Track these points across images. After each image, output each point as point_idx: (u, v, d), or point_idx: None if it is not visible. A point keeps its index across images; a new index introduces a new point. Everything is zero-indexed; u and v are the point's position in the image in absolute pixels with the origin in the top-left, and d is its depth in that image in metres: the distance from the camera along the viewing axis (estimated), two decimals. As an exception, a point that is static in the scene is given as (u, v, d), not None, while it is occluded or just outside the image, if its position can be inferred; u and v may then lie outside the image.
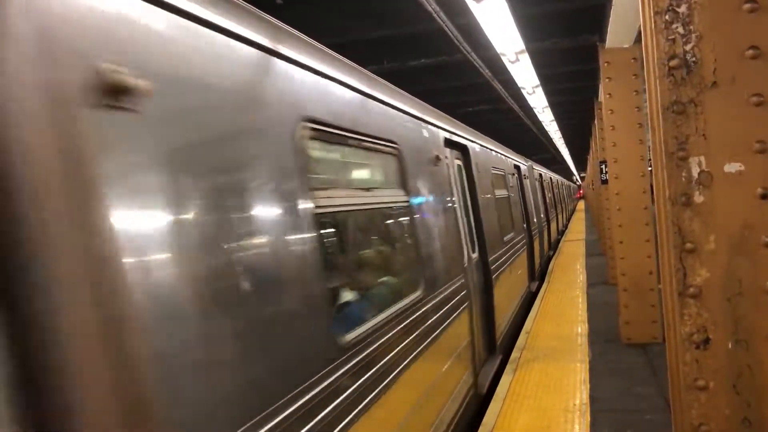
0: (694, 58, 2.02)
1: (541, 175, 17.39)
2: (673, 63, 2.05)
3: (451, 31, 6.00)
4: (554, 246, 18.59)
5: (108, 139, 1.67)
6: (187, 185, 1.98)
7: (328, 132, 3.09)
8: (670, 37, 2.06)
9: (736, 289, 1.99)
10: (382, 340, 3.36)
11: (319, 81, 3.07)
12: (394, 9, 6.81)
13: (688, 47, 2.03)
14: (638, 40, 6.96)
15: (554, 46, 8.26)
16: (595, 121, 13.59)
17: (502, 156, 9.99)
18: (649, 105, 2.31)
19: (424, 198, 4.73)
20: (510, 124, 18.45)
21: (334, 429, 2.62)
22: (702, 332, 2.02)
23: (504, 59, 6.93)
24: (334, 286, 3.30)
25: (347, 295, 3.63)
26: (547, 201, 17.54)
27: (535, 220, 13.08)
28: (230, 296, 2.09)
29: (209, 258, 2.00)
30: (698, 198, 2.01)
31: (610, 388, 5.71)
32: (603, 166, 10.04)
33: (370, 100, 3.93)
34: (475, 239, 6.63)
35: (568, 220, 34.90)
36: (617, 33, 6.77)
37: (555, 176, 27.18)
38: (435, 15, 5.22)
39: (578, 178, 69.60)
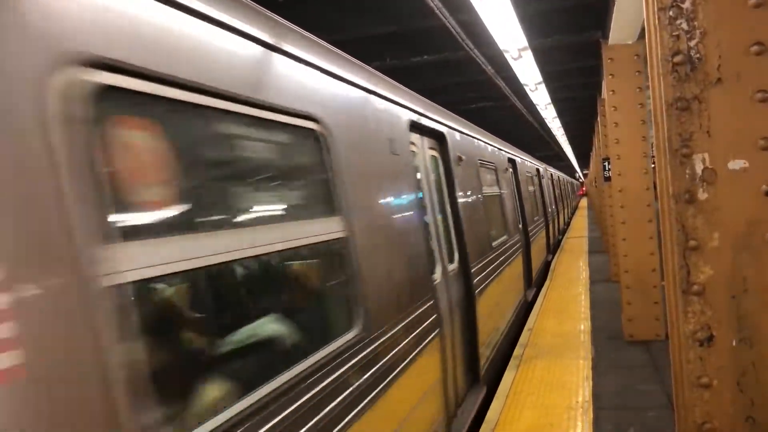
0: (698, 55, 2.01)
1: (551, 174, 22.04)
2: (677, 59, 2.04)
3: (453, 28, 5.98)
4: (562, 232, 22.87)
5: (461, 172, 5.96)
6: (469, 186, 6.36)
7: (485, 164, 7.70)
8: (674, 33, 2.04)
9: (740, 287, 1.98)
10: (502, 248, 7.69)
11: (486, 145, 8.12)
12: (396, 5, 6.80)
13: (692, 43, 2.02)
14: (641, 36, 6.94)
15: (557, 42, 8.23)
16: (598, 118, 13.57)
17: (531, 163, 14.81)
18: (653, 101, 2.30)
19: (506, 191, 9.20)
20: (513, 121, 18.42)
21: (490, 278, 6.51)
22: (706, 330, 2.01)
23: (507, 56, 6.90)
24: (493, 223, 7.63)
25: (495, 225, 7.81)
26: (556, 195, 21.97)
27: (549, 209, 17.17)
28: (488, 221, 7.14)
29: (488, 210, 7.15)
30: (702, 195, 2.00)
31: (612, 385, 5.71)
32: (606, 163, 10.03)
33: (488, 145, 8.37)
34: (520, 216, 10.63)
35: (572, 215, 35.01)
36: (620, 29, 6.74)
37: (561, 175, 31.13)
38: (437, 11, 5.20)
39: (581, 175, 69.49)
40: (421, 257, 4.24)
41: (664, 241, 2.26)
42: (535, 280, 11.29)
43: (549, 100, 13.56)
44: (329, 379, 2.66)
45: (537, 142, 27.89)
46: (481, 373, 5.63)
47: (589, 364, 6.33)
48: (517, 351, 7.06)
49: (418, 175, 4.80)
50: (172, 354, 2.15)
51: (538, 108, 14.91)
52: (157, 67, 1.92)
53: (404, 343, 3.64)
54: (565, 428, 4.77)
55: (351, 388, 2.86)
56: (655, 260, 7.13)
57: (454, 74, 10.95)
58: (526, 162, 13.51)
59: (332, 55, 3.43)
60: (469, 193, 6.25)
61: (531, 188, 13.10)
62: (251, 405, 2.14)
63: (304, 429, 2.41)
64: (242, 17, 2.47)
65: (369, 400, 3.04)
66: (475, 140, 7.39)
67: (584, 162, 50.12)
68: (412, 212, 4.21)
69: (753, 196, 1.95)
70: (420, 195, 4.70)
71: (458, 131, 6.35)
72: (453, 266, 5.34)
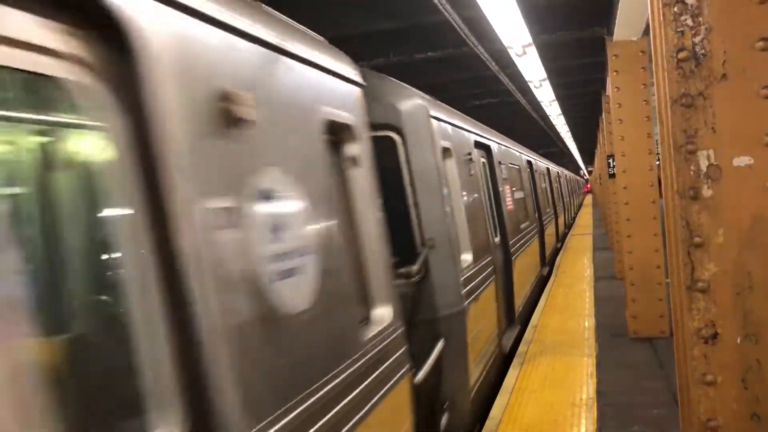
0: (702, 50, 2.00)
1: (565, 175, 29.66)
2: (681, 55, 2.03)
3: (457, 24, 5.96)
4: (573, 217, 31.20)
5: (537, 179, 14.25)
6: (541, 184, 15.20)
7: (540, 173, 15.49)
8: (678, 29, 2.03)
9: (745, 284, 1.97)
10: (549, 214, 15.53)
11: (540, 162, 16.87)
12: (400, 1, 6.79)
13: (696, 39, 2.01)
14: (646, 32, 6.91)
15: (561, 38, 8.21)
16: (603, 115, 13.53)
17: (555, 168, 22.43)
18: (657, 98, 2.28)
19: (554, 187, 18.97)
20: (517, 118, 18.43)
21: (530, 241, 10.20)
22: (710, 327, 2.00)
23: (511, 52, 6.88)
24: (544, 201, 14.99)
25: (545, 203, 15.10)
26: (568, 190, 29.42)
27: (565, 200, 24.49)
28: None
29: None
30: (707, 192, 1.99)
31: (617, 382, 5.70)
32: (611, 160, 10.01)
33: (540, 162, 16.55)
34: (554, 202, 17.37)
35: (577, 212, 35.22)
36: (625, 25, 6.72)
37: (568, 173, 36.20)
38: (441, 7, 5.19)
39: (585, 172, 69.36)
40: (531, 206, 11.35)
41: (668, 237, 2.25)
42: (561, 240, 19.49)
43: (553, 97, 13.53)
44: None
45: (541, 138, 27.85)
46: (558, 238, 17.54)
47: (593, 361, 6.32)
48: (521, 348, 7.06)
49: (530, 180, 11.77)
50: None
51: (543, 105, 14.89)
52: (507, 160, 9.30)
53: (532, 230, 10.54)
54: (569, 425, 4.77)
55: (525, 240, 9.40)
56: (660, 257, 7.11)
57: (458, 70, 10.94)
58: (555, 169, 22.43)
59: (514, 143, 10.78)
60: (543, 186, 14.72)
61: (557, 186, 20.87)
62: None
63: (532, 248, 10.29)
64: (514, 146, 10.84)
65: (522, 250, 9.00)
66: (538, 161, 15.08)
67: (589, 158, 49.98)
68: (527, 191, 11.05)
69: (758, 193, 1.94)
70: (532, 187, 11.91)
71: (534, 159, 13.66)
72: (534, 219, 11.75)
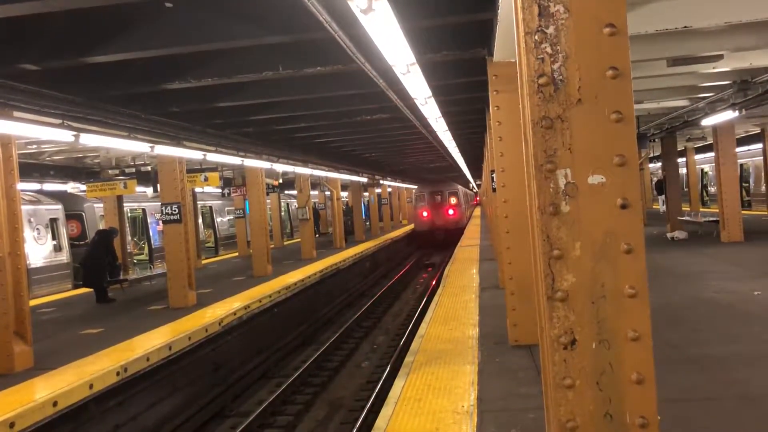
0: (561, 77, 2.15)
1: (462, 190, 37.95)
2: (542, 81, 2.17)
3: (343, 41, 6.03)
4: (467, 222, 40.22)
5: None
6: None
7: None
8: (539, 56, 2.18)
9: (599, 293, 2.12)
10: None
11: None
12: (287, 16, 6.77)
13: (555, 66, 2.16)
14: (523, 55, 7.24)
15: (445, 58, 8.47)
16: (487, 132, 14.06)
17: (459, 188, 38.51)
18: (522, 120, 2.44)
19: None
20: (407, 132, 18.75)
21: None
22: (569, 334, 2.14)
23: (395, 70, 7.03)
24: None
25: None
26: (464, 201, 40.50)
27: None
28: None
29: None
30: (565, 208, 2.13)
31: (497, 388, 5.91)
32: (493, 175, 10.43)
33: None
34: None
35: (466, 223, 37.02)
36: (503, 47, 7.03)
37: (462, 188, 43.18)
38: (326, 25, 5.24)
39: (474, 186, 71.72)
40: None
41: (532, 250, 2.39)
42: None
43: (439, 114, 13.86)
44: None
45: (431, 152, 28.55)
46: None
47: (476, 369, 6.54)
48: (407, 359, 7.19)
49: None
50: None
51: (430, 121, 15.22)
52: None
53: None
54: (452, 432, 4.91)
55: None
56: (537, 268, 7.46)
57: (349, 86, 11.00)
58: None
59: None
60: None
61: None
62: None
63: None
64: None
65: None
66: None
67: (478, 173, 51.77)
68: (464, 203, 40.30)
69: (610, 209, 2.11)
70: None
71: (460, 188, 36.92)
72: None
